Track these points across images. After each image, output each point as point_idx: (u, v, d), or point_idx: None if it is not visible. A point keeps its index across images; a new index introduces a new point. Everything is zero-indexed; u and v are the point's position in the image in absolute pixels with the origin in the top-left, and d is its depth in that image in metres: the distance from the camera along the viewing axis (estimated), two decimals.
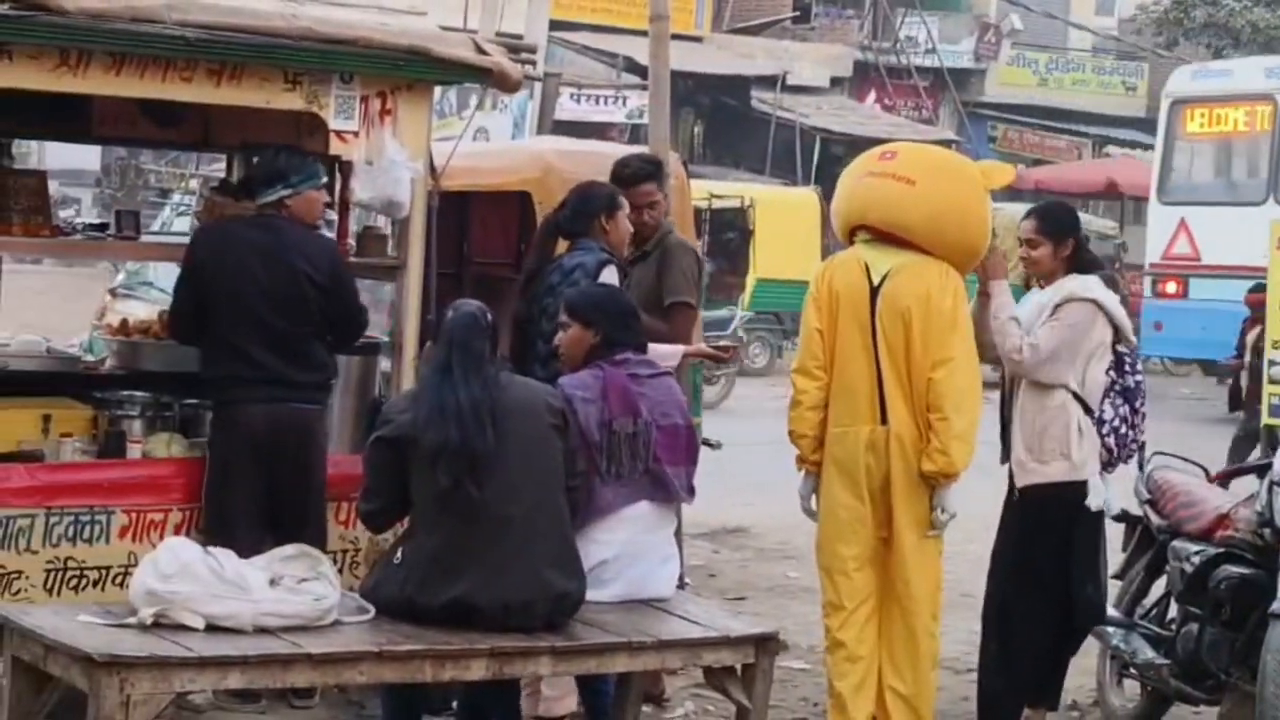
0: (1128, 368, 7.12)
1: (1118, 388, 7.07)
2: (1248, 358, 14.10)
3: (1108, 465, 7.05)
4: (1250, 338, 14.16)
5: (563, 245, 7.01)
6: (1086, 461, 6.93)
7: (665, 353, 7.06)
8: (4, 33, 6.09)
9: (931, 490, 6.56)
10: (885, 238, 6.67)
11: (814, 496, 6.74)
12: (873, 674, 6.59)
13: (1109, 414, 7.04)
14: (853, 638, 6.54)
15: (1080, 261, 7.10)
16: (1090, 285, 7.03)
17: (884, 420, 6.55)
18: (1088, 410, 6.96)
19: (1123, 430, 7.07)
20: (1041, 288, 7.13)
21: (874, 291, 6.57)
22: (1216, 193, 22.01)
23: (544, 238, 7.00)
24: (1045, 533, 6.95)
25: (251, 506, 6.58)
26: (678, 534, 6.63)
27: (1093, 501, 6.93)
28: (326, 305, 6.72)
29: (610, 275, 6.66)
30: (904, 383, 6.55)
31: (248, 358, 6.60)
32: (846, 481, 6.57)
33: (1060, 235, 7.09)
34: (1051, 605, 6.99)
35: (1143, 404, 7.15)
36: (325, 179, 7.11)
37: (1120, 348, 7.09)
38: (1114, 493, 7.11)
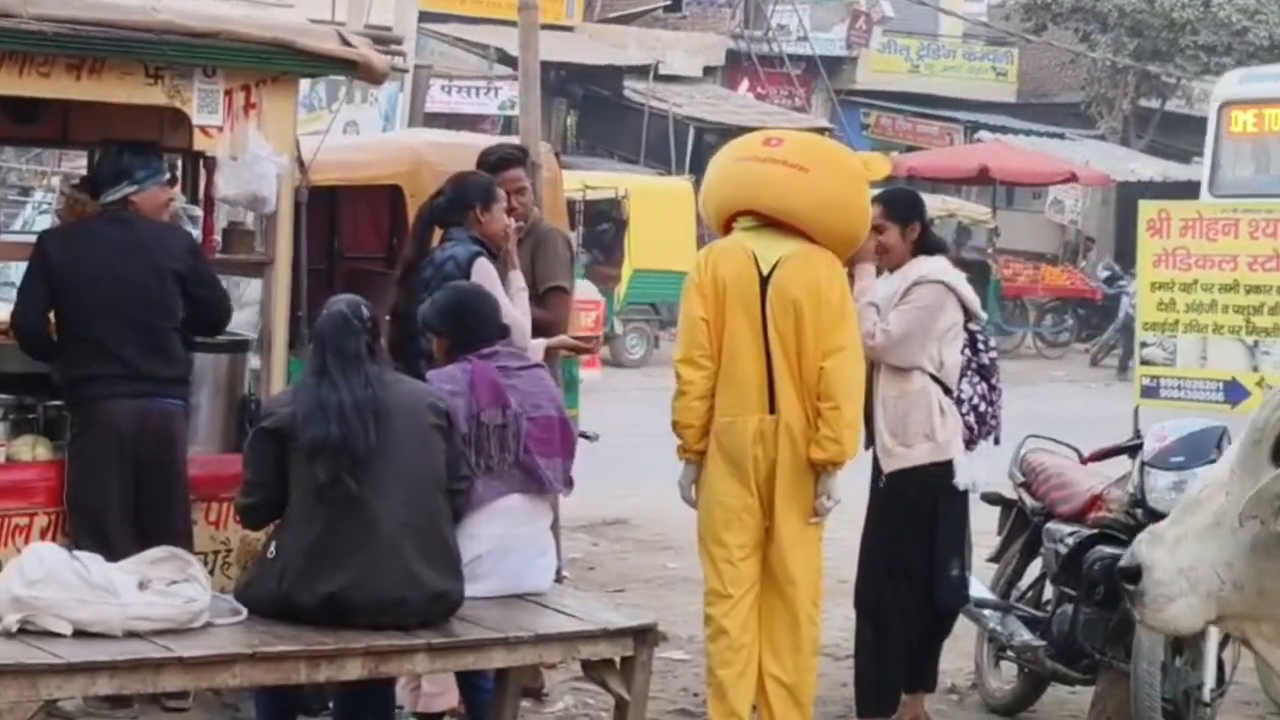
0: (980, 345, 7.26)
1: (974, 366, 7.19)
2: None
3: (969, 443, 7.16)
4: None
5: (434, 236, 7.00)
6: (950, 441, 7.03)
7: (529, 345, 7.07)
8: None
9: (817, 478, 6.59)
10: (770, 224, 6.65)
11: (694, 486, 6.74)
12: (754, 662, 6.62)
13: (967, 392, 7.15)
14: (737, 625, 6.57)
15: (926, 244, 7.21)
16: (940, 267, 7.17)
17: (772, 409, 6.56)
18: (947, 391, 7.05)
19: (982, 408, 7.19)
20: (891, 273, 7.23)
21: (764, 281, 6.56)
22: (1262, 186, 22.66)
23: (420, 228, 6.98)
24: (913, 516, 7.05)
25: (117, 507, 6.50)
26: (555, 526, 6.63)
27: (960, 480, 7.04)
28: (189, 295, 6.67)
29: (482, 267, 6.65)
30: (794, 372, 6.55)
31: (109, 354, 6.52)
32: (734, 471, 6.58)
33: (905, 219, 7.22)
34: (921, 589, 7.08)
35: (998, 380, 7.27)
36: (169, 175, 7.05)
37: (971, 326, 7.22)
38: (977, 471, 7.20)
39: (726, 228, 6.85)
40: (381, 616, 5.36)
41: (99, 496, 6.52)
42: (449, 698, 6.48)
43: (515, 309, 6.70)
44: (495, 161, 7.37)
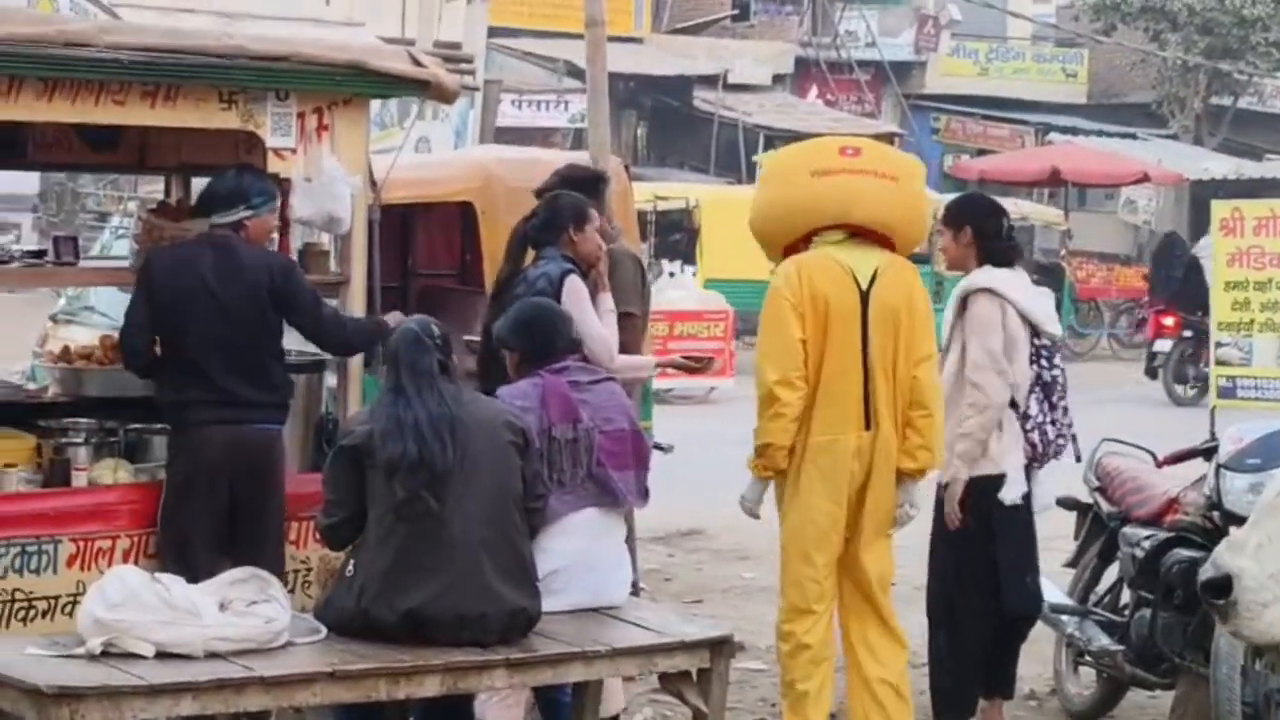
0: (1044, 361, 7.17)
1: (1042, 381, 7.15)
2: None
3: (1034, 461, 7.12)
4: None
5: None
6: (1005, 455, 7.01)
7: (636, 364, 7.12)
8: None
9: (900, 486, 6.59)
10: (854, 235, 6.60)
11: (760, 501, 6.69)
12: (832, 674, 6.62)
13: (1034, 409, 7.11)
14: (819, 640, 6.54)
15: (990, 252, 7.16)
16: (990, 275, 7.11)
17: (868, 425, 6.52)
18: (1013, 404, 7.02)
19: (1046, 427, 7.14)
20: None
21: (863, 295, 6.51)
22: None
23: (514, 248, 6.97)
24: (970, 526, 7.01)
25: (209, 530, 6.52)
26: (630, 539, 6.64)
27: (1007, 495, 6.99)
28: (293, 316, 6.71)
29: (573, 284, 6.68)
30: (889, 385, 6.52)
31: (207, 380, 6.55)
32: (829, 489, 6.50)
33: (956, 224, 7.22)
34: (987, 597, 7.06)
35: (1060, 398, 7.21)
36: (279, 200, 7.08)
37: (1038, 340, 7.14)
38: (1046, 488, 7.17)
39: (796, 245, 6.72)
40: (461, 632, 5.38)
41: (191, 519, 6.53)
42: (619, 699, 6.67)
43: (605, 329, 6.75)
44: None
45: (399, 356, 5.66)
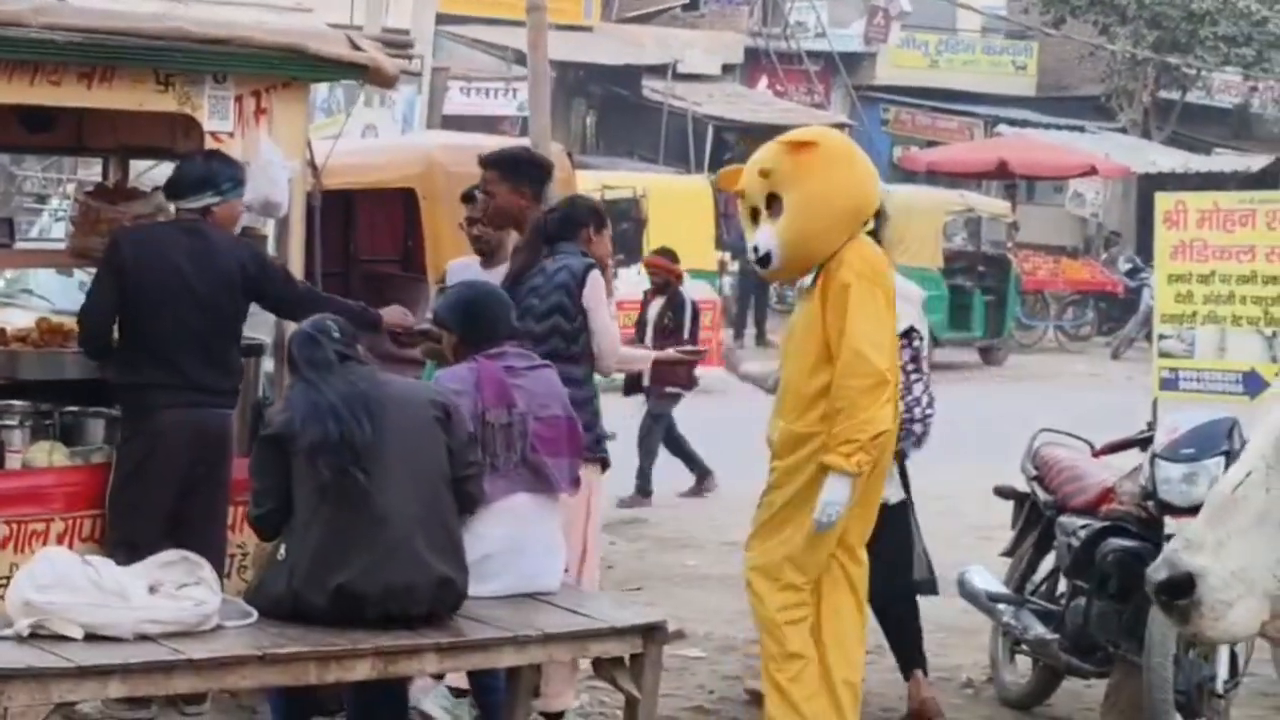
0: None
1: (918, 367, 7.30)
2: None
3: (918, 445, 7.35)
4: None
5: None
6: None
7: (635, 356, 7.18)
8: None
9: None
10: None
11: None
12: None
13: (919, 392, 7.31)
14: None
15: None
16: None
17: None
18: None
19: (930, 410, 7.33)
20: None
21: None
22: None
23: (533, 240, 6.97)
24: None
25: (159, 514, 6.53)
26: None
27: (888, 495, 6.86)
28: (269, 303, 6.78)
29: (596, 280, 6.80)
30: None
31: (171, 364, 6.56)
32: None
33: None
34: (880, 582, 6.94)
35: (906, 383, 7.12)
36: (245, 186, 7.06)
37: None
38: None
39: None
40: (390, 604, 5.37)
41: (143, 502, 6.55)
42: (567, 697, 6.64)
43: (614, 326, 6.96)
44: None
45: (295, 356, 5.75)
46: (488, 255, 7.40)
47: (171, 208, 6.96)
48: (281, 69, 6.98)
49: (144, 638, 5.03)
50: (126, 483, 6.58)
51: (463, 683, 6.46)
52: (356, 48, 7.21)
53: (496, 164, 7.25)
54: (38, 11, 6.53)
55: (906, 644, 7.47)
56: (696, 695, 7.62)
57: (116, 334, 6.70)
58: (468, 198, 7.55)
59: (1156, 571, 4.17)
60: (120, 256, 6.67)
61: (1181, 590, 4.07)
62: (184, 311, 6.55)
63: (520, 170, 7.23)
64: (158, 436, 6.55)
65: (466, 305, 6.25)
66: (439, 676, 6.41)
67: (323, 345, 5.65)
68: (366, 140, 15.74)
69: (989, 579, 7.64)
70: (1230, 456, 6.62)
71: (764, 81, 34.34)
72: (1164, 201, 11.16)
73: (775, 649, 6.25)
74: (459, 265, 7.48)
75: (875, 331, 6.24)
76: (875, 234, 6.71)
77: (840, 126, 28.66)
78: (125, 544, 6.19)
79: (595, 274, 6.84)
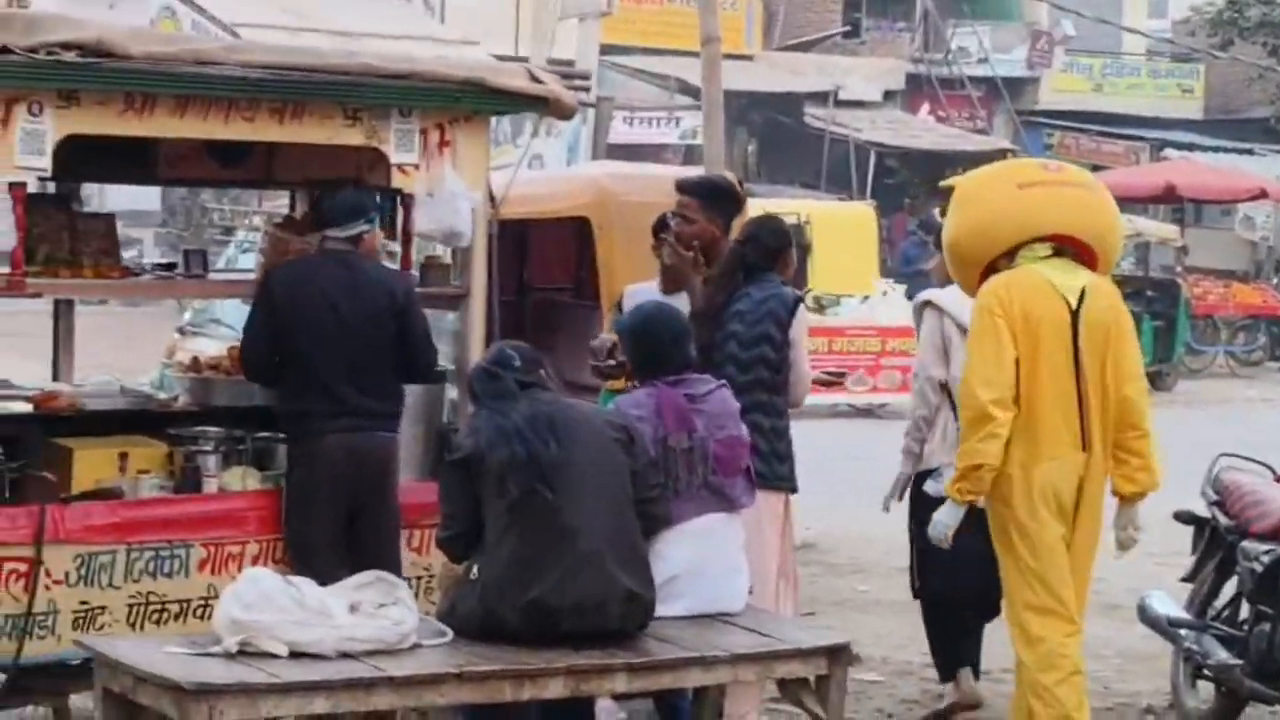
0: None
1: None
2: None
3: None
4: None
5: None
6: (934, 453, 7.42)
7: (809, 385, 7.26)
8: (72, 79, 6.22)
9: (1119, 510, 6.55)
10: (1058, 253, 6.48)
11: (955, 527, 6.47)
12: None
13: None
14: (1077, 653, 6.44)
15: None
16: (931, 291, 7.60)
17: (1084, 448, 6.39)
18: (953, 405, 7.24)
19: None
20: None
21: (1073, 314, 6.36)
22: None
23: (732, 269, 6.99)
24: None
25: (330, 536, 6.69)
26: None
27: (929, 488, 7.32)
28: (402, 337, 6.85)
29: (804, 316, 6.96)
30: (1101, 406, 6.38)
31: (327, 390, 6.72)
32: (1055, 511, 6.36)
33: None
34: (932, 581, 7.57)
35: None
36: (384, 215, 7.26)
37: None
38: None
39: (998, 262, 6.53)
40: (581, 619, 5.45)
41: (313, 525, 6.70)
42: (751, 718, 6.63)
43: (807, 362, 7.09)
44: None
45: (475, 388, 5.87)
46: (675, 281, 7.39)
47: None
48: (464, 102, 7.09)
49: (345, 655, 5.14)
50: (296, 506, 6.73)
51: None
52: (536, 80, 7.33)
53: (696, 191, 7.31)
54: (231, 50, 6.75)
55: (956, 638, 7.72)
56: (875, 718, 7.63)
57: (280, 364, 6.87)
58: (661, 226, 7.53)
59: None
60: (271, 296, 6.85)
61: None
62: (337, 341, 6.71)
63: (718, 199, 7.27)
64: (320, 460, 6.69)
65: (646, 333, 6.29)
66: (618, 698, 6.51)
67: (502, 378, 5.74)
68: (538, 171, 15.90)
69: (1170, 604, 7.59)
70: None
71: (925, 107, 34.21)
72: None
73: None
74: (638, 290, 7.53)
75: (977, 361, 6.39)
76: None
77: (1004, 152, 28.55)
78: (303, 565, 6.32)
79: (803, 308, 6.94)
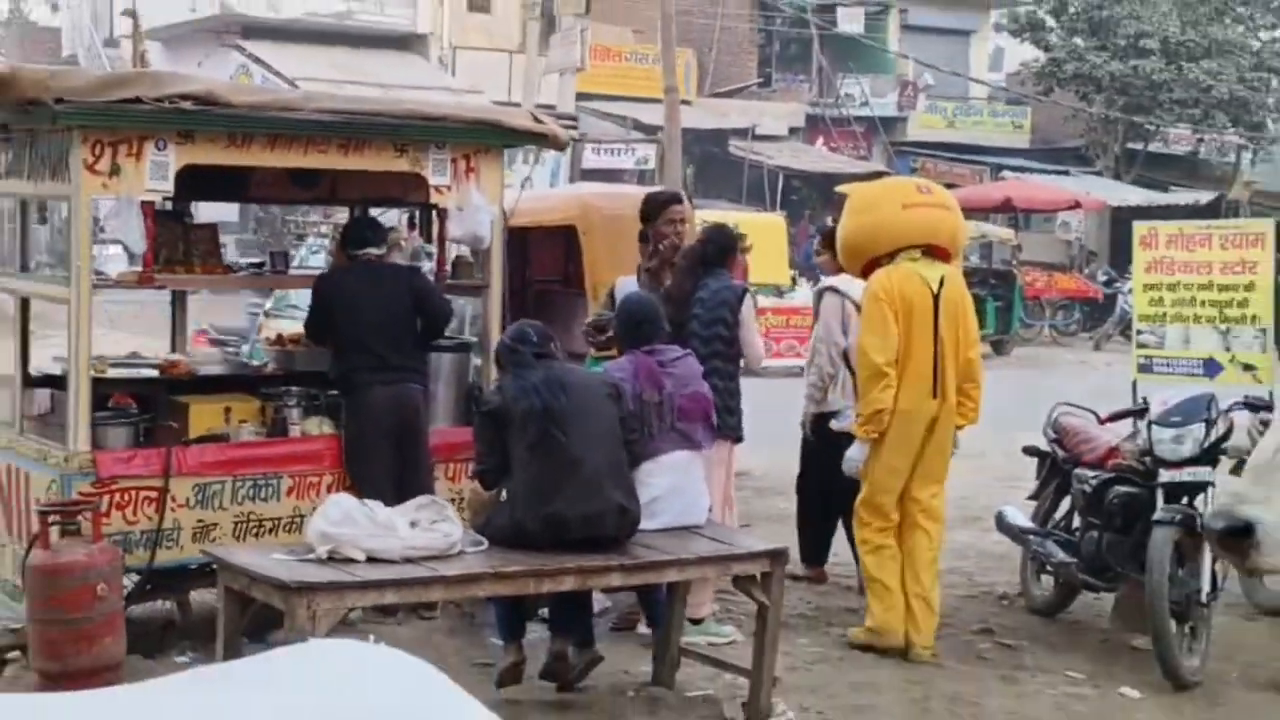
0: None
1: None
2: None
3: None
4: None
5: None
6: (835, 400, 7.72)
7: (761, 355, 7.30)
8: (189, 122, 6.23)
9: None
10: (929, 253, 6.72)
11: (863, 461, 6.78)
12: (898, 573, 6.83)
13: None
14: (893, 542, 6.80)
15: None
16: (836, 279, 7.71)
17: (935, 395, 6.64)
18: (847, 363, 7.46)
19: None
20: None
21: (935, 297, 6.62)
22: None
23: (693, 266, 7.01)
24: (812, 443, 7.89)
25: (381, 469, 6.69)
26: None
27: (835, 425, 7.54)
28: (418, 302, 6.90)
29: (751, 304, 6.98)
30: (953, 366, 6.65)
31: (370, 353, 6.75)
32: (904, 446, 6.66)
33: (831, 247, 7.58)
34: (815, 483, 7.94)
35: None
36: (387, 243, 7.33)
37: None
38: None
39: (880, 259, 6.76)
40: (586, 527, 5.47)
41: (366, 458, 6.71)
42: (707, 607, 6.69)
43: (759, 338, 7.14)
44: (663, 200, 7.50)
45: (500, 357, 5.87)
46: (657, 277, 7.39)
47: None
48: (485, 138, 7.11)
49: (408, 560, 5.16)
50: (353, 445, 6.75)
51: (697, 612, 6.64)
52: (538, 121, 7.35)
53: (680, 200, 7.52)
54: (308, 99, 6.73)
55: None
56: (799, 605, 7.69)
57: (333, 341, 6.94)
58: (643, 237, 7.53)
59: (1215, 522, 4.18)
60: (319, 292, 6.98)
61: (1239, 536, 4.09)
62: (373, 316, 6.76)
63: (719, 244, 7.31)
64: (368, 408, 6.72)
65: (630, 315, 6.32)
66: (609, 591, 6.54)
67: (521, 350, 5.75)
68: (536, 190, 15.86)
69: (1020, 516, 7.67)
70: (1210, 424, 6.64)
71: (820, 140, 34.17)
72: (1140, 228, 11.09)
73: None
74: (627, 281, 7.56)
75: (870, 334, 6.65)
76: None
77: (880, 174, 28.57)
78: (361, 491, 6.32)
79: (750, 298, 6.96)
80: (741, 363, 7.07)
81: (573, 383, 5.70)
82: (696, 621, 6.71)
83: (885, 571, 6.77)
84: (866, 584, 6.95)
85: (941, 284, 6.64)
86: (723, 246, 7.08)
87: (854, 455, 6.75)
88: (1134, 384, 9.61)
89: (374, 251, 6.98)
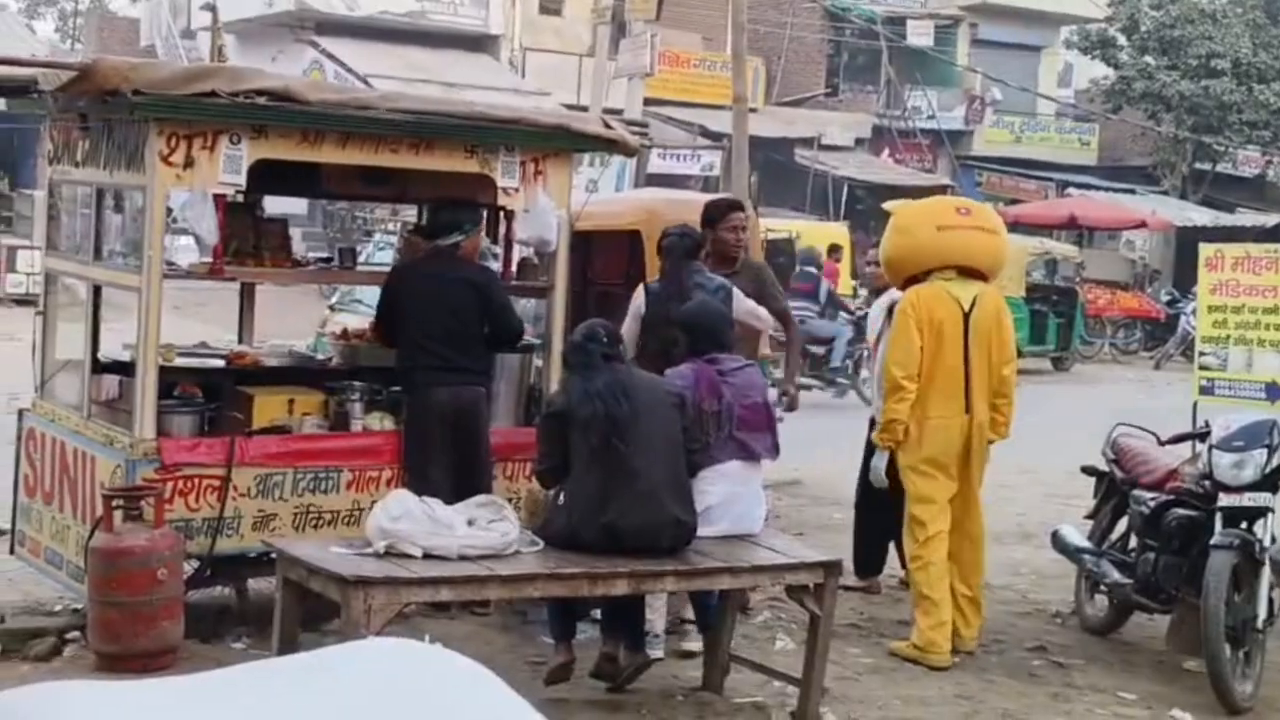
0: None
1: None
2: None
3: None
4: None
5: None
6: None
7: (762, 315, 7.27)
8: (263, 117, 6.25)
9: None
10: (964, 272, 6.93)
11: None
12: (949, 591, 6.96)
13: None
14: (941, 559, 6.93)
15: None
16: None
17: (967, 410, 6.87)
18: None
19: None
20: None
21: (965, 316, 6.86)
22: None
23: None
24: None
25: (440, 466, 6.66)
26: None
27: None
28: (489, 314, 6.85)
29: (737, 292, 7.00)
30: (983, 381, 6.88)
31: (433, 353, 6.73)
32: (943, 454, 6.87)
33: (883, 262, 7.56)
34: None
35: None
36: (483, 226, 7.25)
37: None
38: None
39: (917, 275, 6.96)
40: (640, 540, 5.43)
41: (427, 458, 6.69)
42: (661, 621, 6.53)
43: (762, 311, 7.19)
44: (724, 206, 7.54)
45: (569, 356, 5.83)
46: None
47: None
48: (553, 142, 7.09)
49: (464, 558, 5.14)
50: (414, 444, 6.72)
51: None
52: (608, 126, 7.33)
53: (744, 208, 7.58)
54: (384, 99, 6.75)
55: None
56: (850, 615, 7.64)
57: (399, 337, 6.90)
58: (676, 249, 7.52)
59: None
60: (390, 284, 6.97)
61: None
62: (438, 314, 6.71)
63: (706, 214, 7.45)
64: (428, 406, 6.68)
65: (693, 323, 6.27)
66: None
67: (590, 350, 5.70)
68: (602, 194, 15.84)
69: (1077, 535, 7.59)
70: (1272, 450, 6.54)
71: (886, 151, 34.02)
72: (1206, 250, 10.97)
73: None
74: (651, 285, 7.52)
75: (895, 348, 6.90)
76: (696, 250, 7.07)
77: (944, 188, 28.45)
78: (418, 488, 6.33)
79: (735, 289, 7.02)
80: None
81: (637, 389, 5.66)
82: (656, 636, 6.41)
83: (935, 589, 6.82)
84: (916, 600, 6.94)
85: (974, 304, 6.85)
86: (697, 243, 7.08)
87: (877, 464, 7.12)
88: (1194, 405, 9.48)
89: (458, 239, 6.87)
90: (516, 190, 6.99)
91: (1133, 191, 34.01)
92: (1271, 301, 10.42)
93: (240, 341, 7.81)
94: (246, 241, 7.02)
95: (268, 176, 6.78)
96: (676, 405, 5.75)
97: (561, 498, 5.66)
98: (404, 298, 6.82)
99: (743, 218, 7.43)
